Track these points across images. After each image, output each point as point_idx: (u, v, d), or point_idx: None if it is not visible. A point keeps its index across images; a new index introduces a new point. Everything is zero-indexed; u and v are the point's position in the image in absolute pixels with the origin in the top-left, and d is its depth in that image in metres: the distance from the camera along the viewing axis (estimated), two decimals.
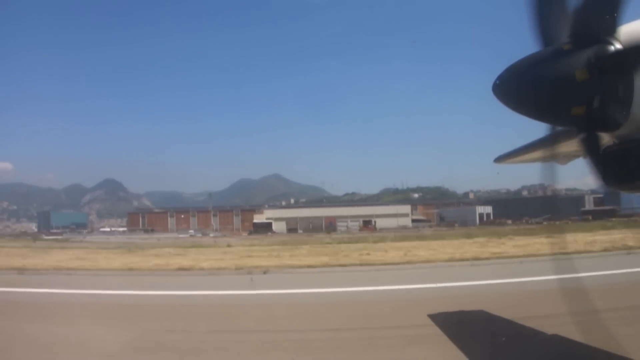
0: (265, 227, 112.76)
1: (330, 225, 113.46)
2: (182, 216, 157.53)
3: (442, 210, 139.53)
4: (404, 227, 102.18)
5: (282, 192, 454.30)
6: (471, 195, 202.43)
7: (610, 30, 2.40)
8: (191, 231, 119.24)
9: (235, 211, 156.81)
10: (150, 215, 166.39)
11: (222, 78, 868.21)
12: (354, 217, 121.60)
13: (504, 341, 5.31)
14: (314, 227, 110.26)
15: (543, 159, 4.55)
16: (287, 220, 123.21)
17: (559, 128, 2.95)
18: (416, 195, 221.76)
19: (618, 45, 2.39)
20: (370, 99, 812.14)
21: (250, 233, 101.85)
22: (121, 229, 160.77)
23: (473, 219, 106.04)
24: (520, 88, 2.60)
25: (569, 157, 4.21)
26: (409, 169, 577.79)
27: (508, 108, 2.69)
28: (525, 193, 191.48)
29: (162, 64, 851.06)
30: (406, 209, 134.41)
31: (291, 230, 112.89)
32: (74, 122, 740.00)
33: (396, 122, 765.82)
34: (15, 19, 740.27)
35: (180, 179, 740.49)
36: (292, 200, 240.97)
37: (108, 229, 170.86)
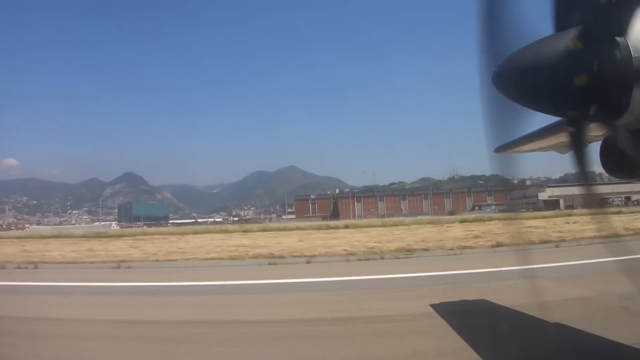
0: (554, 204, 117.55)
1: (605, 201, 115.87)
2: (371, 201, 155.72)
3: None
4: None
5: (303, 184, 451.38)
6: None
7: (621, 28, 2.31)
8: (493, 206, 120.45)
9: (446, 194, 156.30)
10: (322, 202, 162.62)
11: (227, 74, 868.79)
12: (616, 194, 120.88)
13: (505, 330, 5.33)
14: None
15: (544, 149, 4.55)
16: (565, 197, 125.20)
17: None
18: (515, 181, 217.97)
19: (625, 50, 2.29)
20: (375, 92, 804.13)
21: (535, 209, 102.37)
22: (280, 217, 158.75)
23: None
24: (520, 81, 2.53)
25: (569, 146, 4.17)
26: (431, 160, 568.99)
27: (507, 99, 2.64)
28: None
29: (169, 62, 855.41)
30: None
31: (568, 206, 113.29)
32: (85, 118, 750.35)
33: (405, 116, 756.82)
34: (27, 20, 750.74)
35: (191, 172, 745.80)
36: (337, 190, 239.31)
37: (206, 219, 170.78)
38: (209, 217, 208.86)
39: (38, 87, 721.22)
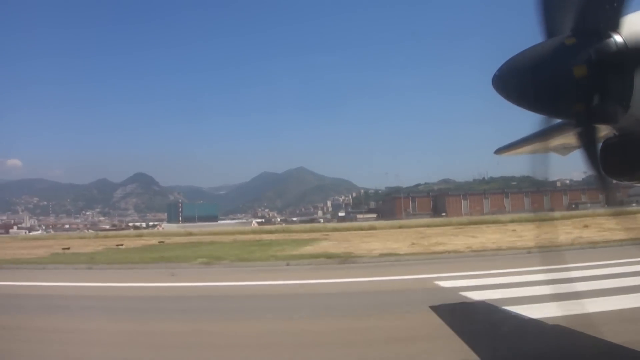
0: None
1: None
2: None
3: None
4: None
5: (315, 185, 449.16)
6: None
7: (613, 23, 2.36)
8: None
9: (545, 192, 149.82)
10: (420, 200, 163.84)
11: (233, 77, 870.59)
12: None
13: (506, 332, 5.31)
14: None
15: (544, 151, 4.52)
16: None
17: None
18: (558, 184, 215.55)
19: (619, 42, 2.34)
20: (381, 96, 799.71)
21: None
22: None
23: None
24: (520, 82, 2.56)
25: (569, 148, 4.17)
26: (447, 162, 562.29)
27: (508, 101, 2.65)
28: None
29: (177, 67, 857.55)
30: None
31: None
32: (90, 120, 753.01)
33: (414, 118, 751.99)
34: (35, 23, 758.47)
35: (196, 173, 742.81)
36: (362, 191, 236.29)
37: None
38: (235, 219, 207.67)
39: (45, 90, 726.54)
